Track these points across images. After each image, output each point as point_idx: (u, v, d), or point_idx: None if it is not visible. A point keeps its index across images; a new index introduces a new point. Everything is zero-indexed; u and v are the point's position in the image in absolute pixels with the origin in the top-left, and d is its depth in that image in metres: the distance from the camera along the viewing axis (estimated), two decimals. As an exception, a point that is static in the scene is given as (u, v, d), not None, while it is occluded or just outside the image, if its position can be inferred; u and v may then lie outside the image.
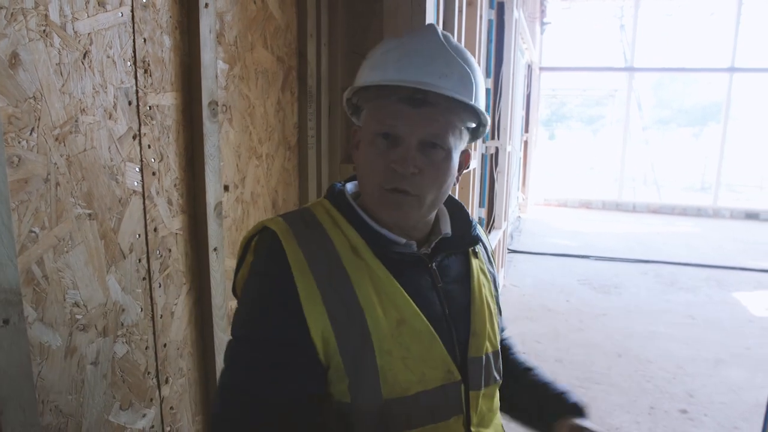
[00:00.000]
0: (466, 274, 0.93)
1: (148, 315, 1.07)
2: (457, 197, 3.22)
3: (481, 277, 0.95)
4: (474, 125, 0.89)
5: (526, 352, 3.90)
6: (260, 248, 0.83)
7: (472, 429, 0.86)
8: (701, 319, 4.55)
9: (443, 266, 0.90)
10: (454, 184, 0.89)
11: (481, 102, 0.86)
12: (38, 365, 0.83)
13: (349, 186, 0.93)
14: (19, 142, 0.78)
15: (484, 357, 0.88)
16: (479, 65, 3.68)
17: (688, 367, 3.64)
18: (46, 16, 0.81)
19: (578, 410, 0.96)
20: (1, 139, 0.73)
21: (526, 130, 8.74)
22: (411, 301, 0.82)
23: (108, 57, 0.93)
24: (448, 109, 0.81)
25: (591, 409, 0.95)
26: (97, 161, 0.92)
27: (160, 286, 1.09)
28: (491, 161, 4.96)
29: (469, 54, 0.85)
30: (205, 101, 1.13)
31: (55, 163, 0.84)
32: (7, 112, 0.76)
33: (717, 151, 9.48)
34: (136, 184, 1.01)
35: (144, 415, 1.07)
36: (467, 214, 0.96)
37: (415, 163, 0.79)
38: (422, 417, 0.81)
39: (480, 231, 1.04)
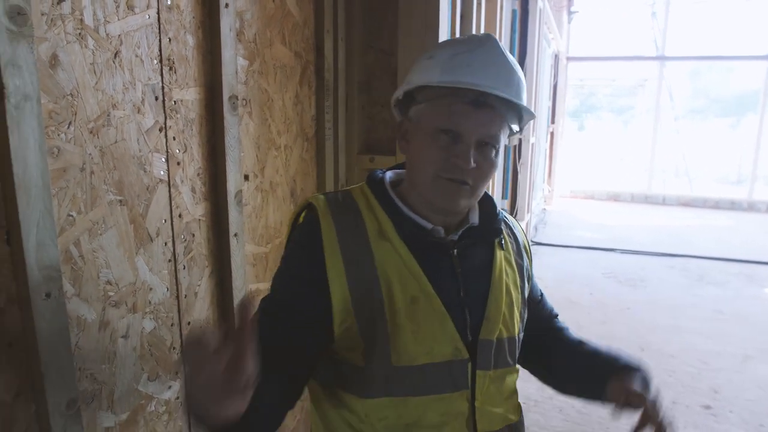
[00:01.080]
0: (488, 263, 0.99)
1: (174, 294, 1.15)
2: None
3: (505, 267, 1.00)
4: (518, 128, 0.99)
5: (547, 343, 3.93)
6: (303, 221, 0.95)
7: (476, 404, 0.93)
8: (729, 314, 4.48)
9: (466, 253, 0.96)
10: None
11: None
12: (75, 336, 0.92)
13: (389, 174, 1.02)
14: (59, 135, 0.87)
15: (495, 341, 0.94)
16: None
17: (714, 362, 3.59)
18: (81, 20, 0.89)
19: (632, 369, 0.97)
20: (43, 132, 0.81)
21: (553, 121, 8.65)
22: (427, 281, 0.89)
23: (136, 56, 1.01)
24: (504, 112, 0.91)
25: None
26: (127, 152, 1.00)
27: (184, 268, 1.18)
28: (514, 153, 4.96)
29: (519, 66, 0.95)
30: (225, 95, 1.21)
31: (90, 154, 0.93)
32: (48, 108, 0.85)
33: (753, 142, 9.21)
34: (162, 173, 1.09)
35: (170, 387, 1.16)
36: (495, 206, 1.02)
37: (475, 159, 0.88)
38: (428, 386, 0.89)
39: (512, 224, 1.10)
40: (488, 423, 0.95)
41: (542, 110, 7.65)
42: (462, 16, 2.48)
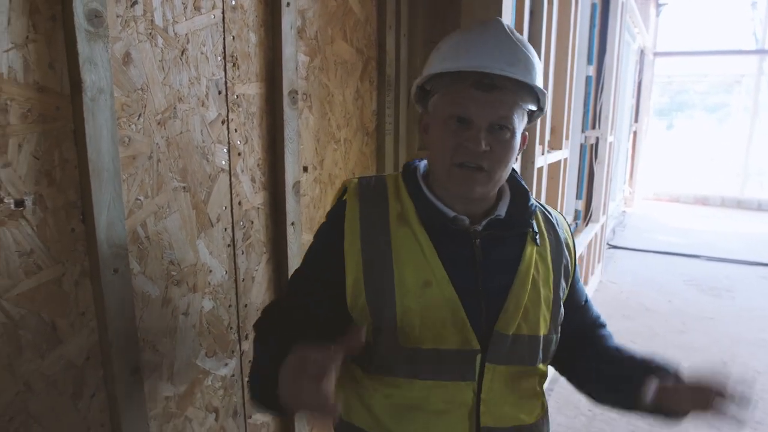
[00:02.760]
0: (517, 257, 0.96)
1: (232, 277, 1.23)
2: (545, 188, 3.15)
3: (538, 263, 0.96)
4: (534, 108, 0.96)
5: (618, 350, 3.77)
6: (337, 202, 1.00)
7: (483, 396, 0.91)
8: (827, 330, 4.10)
9: (489, 245, 0.94)
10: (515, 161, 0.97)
11: (540, 83, 0.93)
12: (140, 310, 1.01)
13: (424, 164, 1.03)
14: (130, 126, 0.96)
15: (511, 336, 0.91)
16: (577, 53, 3.56)
17: (806, 381, 3.31)
18: (152, 21, 0.97)
19: (667, 371, 0.93)
20: (115, 123, 0.90)
21: (636, 120, 8.22)
22: (442, 267, 0.89)
23: (202, 53, 1.08)
24: (514, 92, 0.89)
25: (688, 418, 0.89)
26: (191, 142, 1.08)
27: (242, 253, 1.25)
28: (590, 152, 4.77)
29: (530, 45, 0.93)
30: (285, 90, 1.27)
31: (157, 144, 1.01)
32: (121, 101, 0.93)
33: None
34: (223, 162, 1.17)
35: (226, 364, 1.23)
36: (528, 199, 0.99)
37: (486, 141, 0.87)
38: (433, 372, 0.90)
39: (555, 219, 1.05)
40: (493, 419, 0.92)
41: (624, 109, 7.29)
42: (532, 13, 2.43)
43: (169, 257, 1.06)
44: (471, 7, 1.69)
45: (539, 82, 0.92)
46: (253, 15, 1.20)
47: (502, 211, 0.98)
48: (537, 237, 0.98)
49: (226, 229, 1.20)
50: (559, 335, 0.99)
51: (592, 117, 4.66)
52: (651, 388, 0.87)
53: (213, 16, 1.10)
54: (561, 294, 1.00)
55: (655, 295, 4.89)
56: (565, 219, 1.11)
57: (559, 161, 3.12)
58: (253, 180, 1.26)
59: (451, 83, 0.90)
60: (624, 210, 8.30)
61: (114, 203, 0.91)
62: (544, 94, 0.94)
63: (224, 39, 1.13)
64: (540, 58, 2.41)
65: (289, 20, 1.25)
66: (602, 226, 5.07)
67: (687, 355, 3.67)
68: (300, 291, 0.97)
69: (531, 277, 0.95)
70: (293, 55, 1.28)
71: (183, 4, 1.03)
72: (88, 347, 0.92)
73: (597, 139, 4.74)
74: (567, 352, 1.05)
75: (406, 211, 0.94)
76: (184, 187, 1.08)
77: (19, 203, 0.81)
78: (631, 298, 4.84)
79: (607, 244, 6.44)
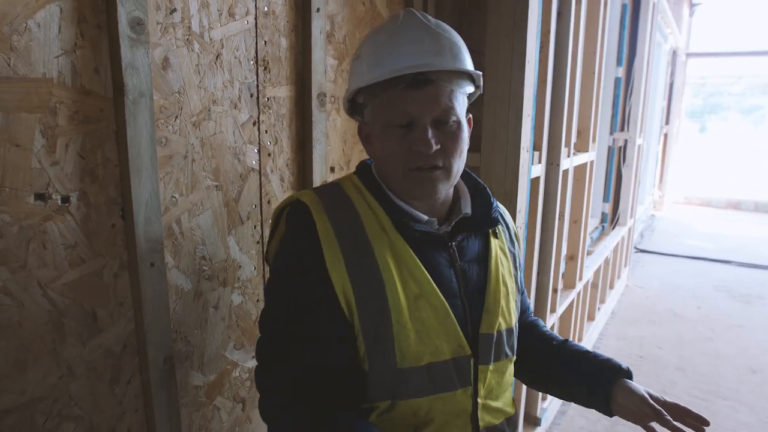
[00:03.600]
0: (484, 254, 0.96)
1: (260, 273, 1.27)
2: (570, 190, 3.13)
3: (501, 256, 0.98)
4: (472, 89, 0.93)
5: (644, 356, 3.72)
6: (292, 219, 0.91)
7: (479, 400, 0.92)
8: None
9: (462, 246, 0.93)
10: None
11: (470, 65, 0.89)
12: (173, 302, 1.06)
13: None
14: (167, 127, 1.01)
15: (495, 334, 0.92)
16: (606, 54, 3.51)
17: (837, 392, 3.22)
18: (189, 27, 1.02)
19: (630, 374, 0.99)
20: (154, 124, 0.95)
21: (667, 122, 8.07)
22: (429, 277, 0.86)
23: (235, 58, 1.13)
24: (449, 81, 0.85)
25: (711, 425, 0.93)
26: (224, 143, 1.13)
27: (270, 250, 1.30)
28: (619, 154, 4.72)
29: (448, 26, 0.90)
30: (314, 93, 1.30)
31: (192, 144, 1.06)
32: (159, 104, 0.98)
33: None
34: (254, 162, 1.21)
35: (252, 357, 1.28)
36: (489, 195, 0.99)
37: (435, 140, 0.84)
38: (432, 386, 0.87)
39: (503, 212, 1.08)
40: (489, 418, 0.93)
41: (654, 111, 7.17)
42: (559, 14, 2.43)
43: (201, 253, 1.11)
44: (498, 9, 1.71)
45: (469, 64, 0.88)
46: (284, 20, 1.24)
47: (467, 209, 0.96)
48: (497, 230, 1.00)
49: (255, 227, 1.24)
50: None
51: (621, 119, 4.60)
52: (630, 412, 0.95)
53: (246, 22, 1.14)
54: (518, 282, 1.04)
55: (683, 301, 4.81)
56: (505, 209, 1.13)
57: (586, 164, 3.10)
58: (282, 179, 1.30)
59: (384, 90, 0.86)
60: (653, 214, 8.15)
61: (152, 200, 0.96)
62: (479, 75, 0.90)
63: (256, 44, 1.18)
64: (567, 59, 2.41)
65: (318, 25, 1.29)
66: (629, 230, 5.00)
67: (714, 363, 3.60)
68: (299, 339, 0.84)
69: (500, 272, 0.96)
70: (322, 58, 1.32)
71: (218, 10, 1.08)
72: (125, 336, 0.98)
73: (625, 141, 4.68)
74: None
75: (381, 220, 0.89)
76: (216, 186, 1.12)
77: (65, 199, 0.86)
78: (658, 303, 4.77)
79: (635, 248, 6.34)
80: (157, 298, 0.99)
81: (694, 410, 0.91)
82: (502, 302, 0.95)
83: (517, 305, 1.02)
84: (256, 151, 1.21)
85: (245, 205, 1.21)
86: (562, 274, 3.20)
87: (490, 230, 0.99)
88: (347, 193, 0.93)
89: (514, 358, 1.00)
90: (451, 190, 0.96)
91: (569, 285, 3.13)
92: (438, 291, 0.87)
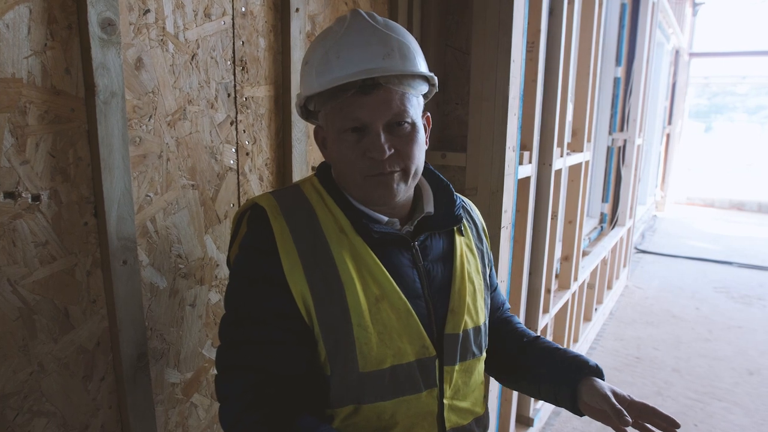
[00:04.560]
0: (449, 252, 0.95)
1: (239, 272, 1.28)
2: (564, 190, 3.13)
3: (467, 254, 0.98)
4: (426, 89, 0.91)
5: (641, 357, 3.71)
6: (250, 223, 0.90)
7: (445, 401, 0.91)
8: None
9: (425, 245, 0.93)
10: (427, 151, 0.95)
11: (424, 66, 0.88)
12: (148, 300, 1.07)
13: None
14: (141, 127, 1.02)
15: (461, 333, 0.91)
16: (602, 53, 3.52)
17: (834, 393, 3.21)
18: (164, 28, 1.03)
19: (599, 372, 0.98)
20: (126, 123, 0.96)
21: (669, 122, 8.04)
22: (390, 278, 0.86)
23: (211, 58, 1.14)
24: (400, 84, 0.84)
25: (705, 426, 0.94)
26: (200, 143, 1.14)
27: (250, 249, 1.31)
28: (618, 155, 4.70)
29: (398, 25, 0.88)
30: (293, 93, 1.31)
31: (167, 143, 1.07)
32: (132, 104, 0.99)
33: None
34: (232, 162, 1.22)
35: (232, 354, 1.29)
36: (451, 192, 0.98)
37: (389, 144, 0.83)
38: (396, 389, 0.86)
39: (470, 208, 1.07)
40: (456, 418, 0.93)
41: (656, 111, 7.14)
42: (551, 12, 2.43)
43: (177, 251, 1.12)
44: (483, 9, 1.71)
45: (420, 64, 0.87)
46: (262, 21, 1.25)
47: (429, 208, 0.96)
48: (461, 228, 0.99)
49: (233, 226, 1.25)
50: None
51: (620, 119, 4.59)
52: (596, 412, 0.94)
53: (223, 23, 1.15)
54: (487, 279, 1.04)
55: (682, 302, 4.80)
56: (474, 205, 1.12)
57: (580, 164, 3.10)
58: (261, 179, 1.31)
59: (333, 96, 0.85)
60: (655, 214, 8.12)
61: (124, 199, 0.97)
62: (432, 75, 0.89)
63: (234, 44, 1.19)
64: (559, 58, 2.41)
65: (297, 25, 1.30)
66: (629, 230, 4.99)
67: (711, 364, 3.59)
68: (257, 346, 0.83)
69: (466, 270, 0.96)
70: (302, 58, 1.32)
71: (194, 11, 1.09)
72: (98, 333, 0.99)
73: (624, 141, 4.67)
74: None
75: (340, 223, 0.88)
76: (192, 185, 1.13)
77: (36, 198, 0.87)
78: (656, 304, 4.75)
79: (636, 248, 6.32)
80: (130, 295, 1.00)
81: (664, 411, 0.89)
82: (468, 300, 0.94)
83: (486, 303, 1.02)
84: (233, 150, 1.22)
85: (223, 204, 1.22)
86: (557, 275, 3.19)
87: (455, 228, 0.98)
88: (306, 195, 0.93)
89: (483, 356, 1.00)
90: (412, 189, 0.96)
91: (564, 285, 3.13)
92: (400, 292, 0.87)
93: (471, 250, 1.00)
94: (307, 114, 0.96)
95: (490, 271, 1.08)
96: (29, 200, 0.86)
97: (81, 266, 0.95)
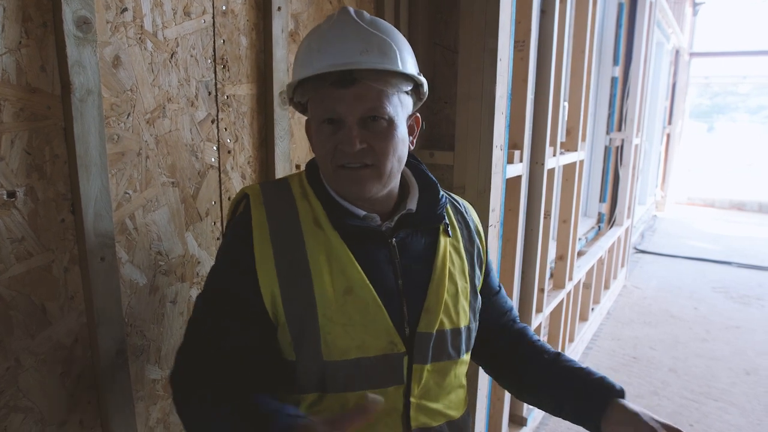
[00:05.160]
0: (431, 251, 0.95)
1: (221, 269, 1.29)
2: (557, 190, 3.14)
3: (452, 255, 0.97)
4: (410, 87, 0.91)
5: (637, 357, 3.71)
6: (236, 211, 0.95)
7: (412, 399, 0.90)
8: None
9: (405, 242, 0.93)
10: (411, 149, 0.95)
11: (408, 65, 0.89)
12: (128, 297, 1.07)
13: None
14: (119, 124, 1.02)
15: (434, 333, 0.91)
16: (597, 53, 3.52)
17: (831, 393, 3.20)
18: (142, 26, 1.04)
19: (623, 394, 0.95)
20: (103, 121, 0.96)
21: (670, 122, 8.02)
22: (361, 271, 0.87)
23: (191, 56, 1.15)
24: (378, 80, 0.85)
25: (701, 426, 0.91)
26: (180, 140, 1.15)
27: (232, 247, 1.31)
28: (616, 155, 4.70)
29: (386, 24, 0.90)
30: (276, 91, 1.32)
31: (146, 141, 1.08)
32: (110, 102, 1.00)
33: None
34: (213, 160, 1.23)
35: (215, 351, 1.29)
36: (437, 191, 0.98)
37: (360, 138, 0.85)
38: (360, 381, 0.87)
39: (465, 209, 1.06)
40: (423, 418, 0.92)
41: (655, 111, 7.12)
42: (543, 12, 2.43)
43: (157, 248, 1.13)
44: (470, 8, 1.72)
45: (404, 63, 0.87)
46: (244, 19, 1.26)
47: (412, 205, 0.96)
48: (449, 228, 0.98)
49: (215, 223, 1.26)
50: (477, 323, 1.01)
51: (618, 119, 4.59)
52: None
53: (203, 21, 1.16)
54: (477, 282, 1.02)
55: (680, 302, 4.79)
56: (471, 206, 1.11)
57: (575, 163, 3.10)
58: (243, 177, 1.32)
59: (314, 87, 0.87)
60: (655, 214, 8.10)
61: (101, 196, 0.97)
62: (416, 75, 0.90)
63: (214, 42, 1.19)
64: (551, 57, 2.41)
65: (279, 24, 1.30)
66: (627, 230, 4.98)
67: (708, 364, 3.58)
68: (215, 325, 0.87)
69: (447, 270, 0.95)
70: (284, 57, 1.33)
71: (173, 9, 1.09)
72: (77, 329, 0.99)
73: (622, 141, 4.66)
74: (486, 347, 1.07)
75: (316, 215, 0.90)
76: (173, 183, 1.14)
77: (11, 194, 0.88)
78: (654, 304, 4.75)
79: (635, 248, 6.31)
80: (108, 292, 1.01)
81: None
82: (448, 301, 0.94)
83: (474, 306, 1.00)
84: (215, 148, 1.23)
85: (204, 201, 1.22)
86: (551, 274, 3.19)
87: (441, 228, 0.98)
88: (291, 188, 0.96)
89: (463, 359, 0.98)
90: (396, 186, 0.97)
91: (558, 285, 3.12)
92: (370, 286, 0.87)
93: (458, 251, 1.00)
94: (302, 108, 0.99)
95: (487, 273, 1.07)
96: (4, 196, 0.87)
97: (58, 262, 0.96)
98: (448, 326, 0.93)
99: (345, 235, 0.89)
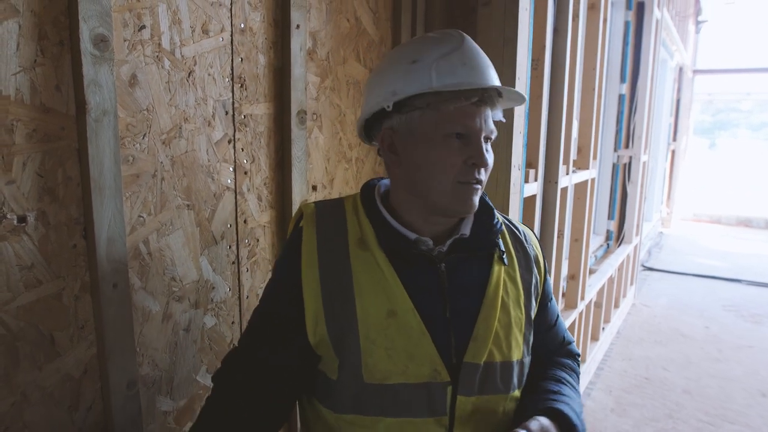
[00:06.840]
0: (483, 279, 0.92)
1: (236, 295, 1.24)
2: (570, 208, 3.10)
3: (506, 283, 0.93)
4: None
5: (650, 378, 3.63)
6: (294, 229, 0.96)
7: (455, 431, 0.86)
8: None
9: (455, 268, 0.90)
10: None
11: None
12: (140, 324, 1.03)
13: (385, 183, 0.99)
14: (134, 145, 0.98)
15: (482, 365, 0.86)
16: (607, 71, 3.51)
17: None
18: (159, 44, 1.00)
19: (556, 415, 0.89)
20: (118, 142, 0.92)
21: (674, 139, 8.01)
22: (407, 295, 0.85)
23: (209, 75, 1.11)
24: (493, 104, 0.90)
25: None
26: (196, 161, 1.10)
27: (247, 271, 1.26)
28: (623, 172, 4.67)
29: None
30: (294, 110, 1.28)
31: (162, 162, 1.03)
32: (126, 122, 0.96)
33: None
34: (229, 181, 1.19)
35: (228, 380, 1.24)
36: (492, 216, 0.95)
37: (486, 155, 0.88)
38: (400, 408, 0.84)
39: (524, 235, 1.01)
40: None
41: (660, 127, 7.11)
42: (556, 30, 2.41)
43: (171, 273, 1.08)
44: (488, 25, 1.69)
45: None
46: (262, 37, 1.22)
47: (466, 230, 0.93)
48: (504, 256, 0.94)
49: (230, 247, 1.21)
50: (530, 357, 0.96)
51: (626, 136, 4.56)
52: None
53: (221, 39, 1.13)
54: (532, 314, 0.97)
55: (691, 320, 4.71)
56: (534, 234, 1.07)
57: (586, 181, 3.06)
58: (259, 198, 1.27)
59: (450, 99, 0.84)
60: (661, 231, 8.05)
61: (115, 220, 0.93)
62: (523, 96, 0.95)
63: (232, 61, 1.16)
64: (564, 75, 2.39)
65: (298, 42, 1.27)
66: (635, 247, 4.93)
67: (722, 385, 3.50)
68: (259, 336, 0.93)
69: (500, 299, 0.91)
70: (302, 75, 1.30)
71: (191, 27, 1.06)
72: (86, 360, 0.94)
73: (630, 158, 4.63)
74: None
75: (365, 236, 0.90)
76: (188, 205, 1.10)
77: (22, 219, 0.84)
78: (664, 322, 4.67)
79: (642, 265, 6.25)
80: (120, 320, 0.96)
81: None
82: (499, 331, 0.89)
83: (527, 339, 0.95)
84: (231, 169, 1.19)
85: (219, 224, 1.18)
86: (563, 294, 3.13)
87: (496, 255, 0.94)
88: (345, 208, 0.96)
89: (512, 395, 0.92)
90: None
91: (570, 305, 3.06)
92: (414, 310, 0.85)
93: (513, 281, 0.95)
94: (377, 114, 0.93)
95: (543, 306, 1.02)
96: (15, 222, 0.83)
97: (69, 290, 0.91)
98: (498, 358, 0.88)
99: (393, 257, 0.88)
